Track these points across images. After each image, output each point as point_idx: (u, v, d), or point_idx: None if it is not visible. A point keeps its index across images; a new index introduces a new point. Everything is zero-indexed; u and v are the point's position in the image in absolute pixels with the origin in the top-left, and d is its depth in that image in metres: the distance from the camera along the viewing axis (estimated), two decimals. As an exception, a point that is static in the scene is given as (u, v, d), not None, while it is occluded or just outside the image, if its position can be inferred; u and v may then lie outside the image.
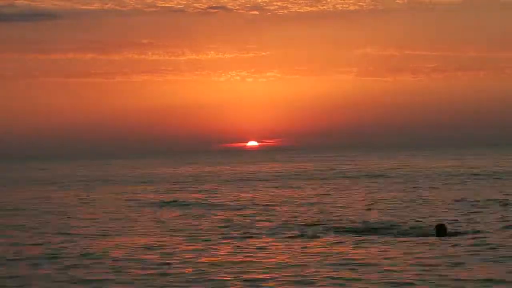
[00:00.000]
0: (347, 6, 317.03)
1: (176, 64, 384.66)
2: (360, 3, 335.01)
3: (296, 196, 62.93)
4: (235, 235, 36.53)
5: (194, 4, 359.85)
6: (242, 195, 65.79)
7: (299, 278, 24.89)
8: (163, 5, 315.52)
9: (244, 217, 45.34)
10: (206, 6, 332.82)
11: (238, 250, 31.49)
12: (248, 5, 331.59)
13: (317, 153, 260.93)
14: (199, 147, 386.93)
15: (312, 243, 33.05)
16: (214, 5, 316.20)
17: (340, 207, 50.80)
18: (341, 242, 33.19)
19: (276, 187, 76.26)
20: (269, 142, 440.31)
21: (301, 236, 35.65)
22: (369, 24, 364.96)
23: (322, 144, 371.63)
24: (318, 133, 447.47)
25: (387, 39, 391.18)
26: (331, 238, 34.70)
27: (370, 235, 35.23)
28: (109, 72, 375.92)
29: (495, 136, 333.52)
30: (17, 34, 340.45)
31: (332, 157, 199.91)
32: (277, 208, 51.40)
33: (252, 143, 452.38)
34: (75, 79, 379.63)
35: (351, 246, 31.87)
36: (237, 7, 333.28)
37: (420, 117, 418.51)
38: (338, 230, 37.35)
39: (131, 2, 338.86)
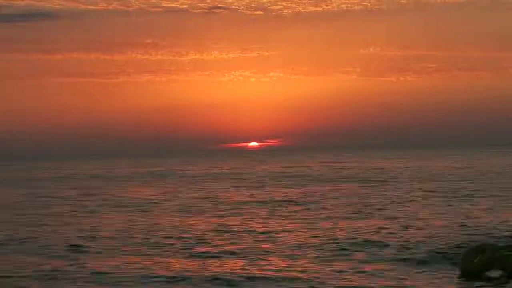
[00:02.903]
0: (351, 6, 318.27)
1: (179, 64, 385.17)
2: (365, 3, 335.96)
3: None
4: None
5: (199, 4, 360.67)
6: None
7: None
8: (167, 5, 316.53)
9: None
10: (210, 6, 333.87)
11: None
12: (253, 5, 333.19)
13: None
14: (198, 147, 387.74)
15: None
16: (218, 5, 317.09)
17: None
18: None
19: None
20: (270, 142, 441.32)
21: None
22: (372, 24, 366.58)
23: (324, 144, 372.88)
24: (321, 133, 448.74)
25: (390, 39, 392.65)
26: None
27: None
28: (112, 72, 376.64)
29: (497, 136, 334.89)
30: (19, 34, 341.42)
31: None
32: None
33: (253, 144, 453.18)
34: (79, 79, 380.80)
35: None
36: (241, 7, 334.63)
37: (423, 117, 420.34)
38: None
39: (136, 2, 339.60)
